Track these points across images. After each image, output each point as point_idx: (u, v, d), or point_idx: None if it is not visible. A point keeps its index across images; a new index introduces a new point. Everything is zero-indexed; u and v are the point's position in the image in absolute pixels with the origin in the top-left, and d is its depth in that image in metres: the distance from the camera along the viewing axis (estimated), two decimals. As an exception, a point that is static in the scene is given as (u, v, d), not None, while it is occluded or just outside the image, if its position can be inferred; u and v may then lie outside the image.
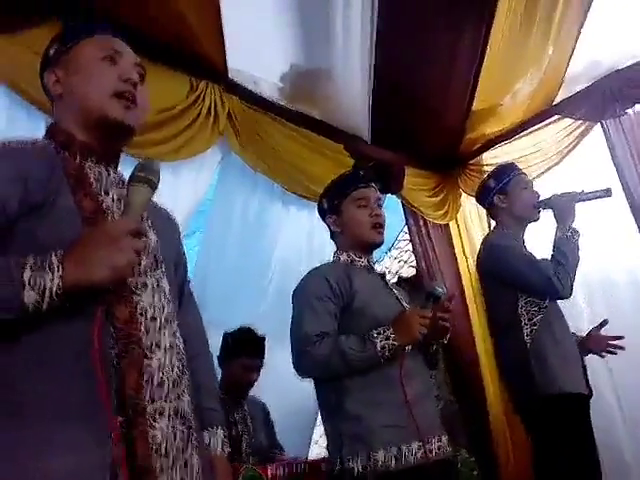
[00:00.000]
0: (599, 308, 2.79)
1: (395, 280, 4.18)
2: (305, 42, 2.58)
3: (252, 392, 2.57)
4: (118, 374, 0.82)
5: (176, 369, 0.92)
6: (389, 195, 3.45)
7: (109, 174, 1.00)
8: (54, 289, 0.75)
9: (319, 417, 3.23)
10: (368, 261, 1.77)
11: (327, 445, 1.63)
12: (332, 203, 1.79)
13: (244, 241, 2.81)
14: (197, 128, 2.31)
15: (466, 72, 3.10)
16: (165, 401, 0.86)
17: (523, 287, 2.01)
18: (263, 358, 2.51)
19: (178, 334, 0.96)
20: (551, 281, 1.92)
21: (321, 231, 2.04)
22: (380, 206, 1.80)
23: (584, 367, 2.06)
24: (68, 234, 0.84)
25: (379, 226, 1.74)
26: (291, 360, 1.60)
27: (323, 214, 1.87)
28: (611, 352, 2.16)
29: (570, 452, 1.83)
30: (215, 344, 2.28)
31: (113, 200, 0.96)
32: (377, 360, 1.50)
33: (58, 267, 0.76)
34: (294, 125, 2.80)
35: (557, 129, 3.35)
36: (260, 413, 2.55)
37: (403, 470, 1.43)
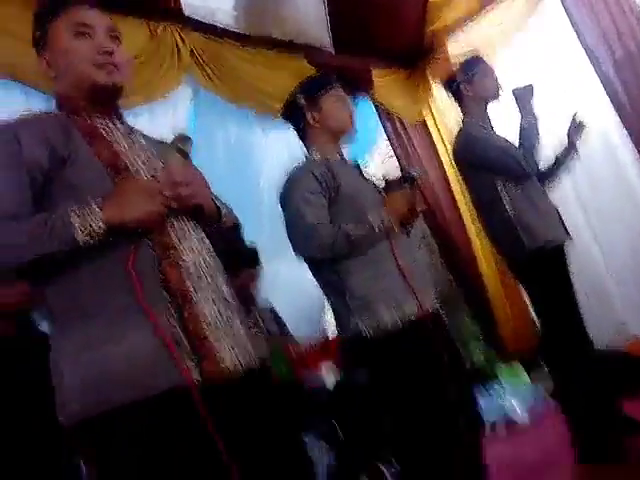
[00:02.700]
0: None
1: (383, 184, 4.37)
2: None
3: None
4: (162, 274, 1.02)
5: (210, 267, 1.10)
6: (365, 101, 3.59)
7: (116, 126, 1.16)
8: (99, 228, 0.97)
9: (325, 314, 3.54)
10: (340, 154, 1.91)
11: (336, 319, 1.82)
12: (311, 99, 1.86)
13: (231, 169, 2.99)
14: (165, 70, 2.44)
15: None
16: (207, 290, 1.06)
17: (500, 172, 2.28)
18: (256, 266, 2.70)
19: (205, 240, 1.14)
20: (521, 164, 2.21)
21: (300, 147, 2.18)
22: None
23: (559, 215, 2.38)
24: (96, 177, 1.05)
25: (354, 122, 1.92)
26: (292, 247, 1.73)
27: (297, 110, 1.88)
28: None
29: (557, 290, 2.23)
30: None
31: (125, 148, 1.12)
32: (374, 236, 1.67)
33: (98, 212, 0.97)
34: (255, 48, 2.89)
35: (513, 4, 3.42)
36: (269, 314, 2.81)
37: (406, 325, 1.66)
